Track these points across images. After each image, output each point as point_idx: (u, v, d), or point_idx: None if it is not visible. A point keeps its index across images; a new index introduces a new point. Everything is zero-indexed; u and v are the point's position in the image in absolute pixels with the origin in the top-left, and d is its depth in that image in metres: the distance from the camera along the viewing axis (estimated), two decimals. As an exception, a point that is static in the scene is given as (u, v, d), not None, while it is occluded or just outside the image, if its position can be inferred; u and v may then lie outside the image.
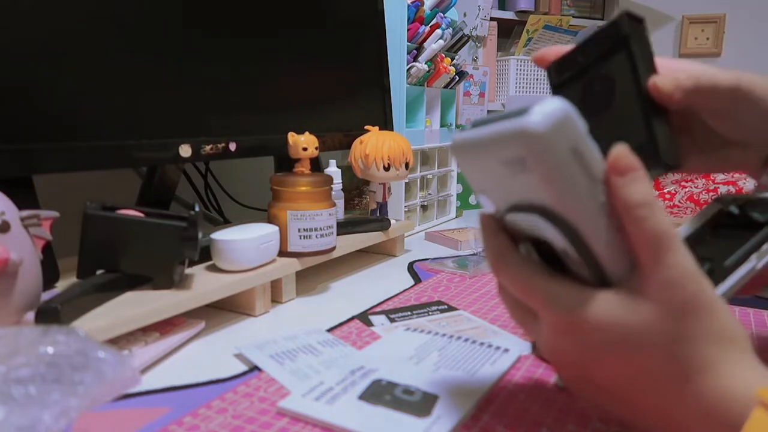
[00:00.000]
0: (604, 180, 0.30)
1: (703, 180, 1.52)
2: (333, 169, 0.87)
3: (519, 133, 0.27)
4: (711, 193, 1.48)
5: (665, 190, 1.50)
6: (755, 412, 0.26)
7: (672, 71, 0.38)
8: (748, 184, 1.47)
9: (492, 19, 1.70)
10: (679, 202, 1.49)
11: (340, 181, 0.87)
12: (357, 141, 0.85)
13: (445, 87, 1.20)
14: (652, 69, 0.38)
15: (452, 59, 1.18)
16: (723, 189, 1.48)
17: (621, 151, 0.30)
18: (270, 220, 0.68)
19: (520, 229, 0.34)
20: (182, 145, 0.66)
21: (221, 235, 0.61)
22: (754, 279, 0.39)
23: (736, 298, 0.39)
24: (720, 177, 1.52)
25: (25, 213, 0.47)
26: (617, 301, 0.31)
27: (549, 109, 0.27)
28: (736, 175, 1.52)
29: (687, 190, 1.50)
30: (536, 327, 0.35)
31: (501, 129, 0.29)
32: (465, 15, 1.66)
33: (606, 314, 0.31)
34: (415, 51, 1.07)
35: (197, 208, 0.55)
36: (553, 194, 0.29)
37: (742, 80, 0.38)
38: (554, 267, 0.33)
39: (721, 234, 0.42)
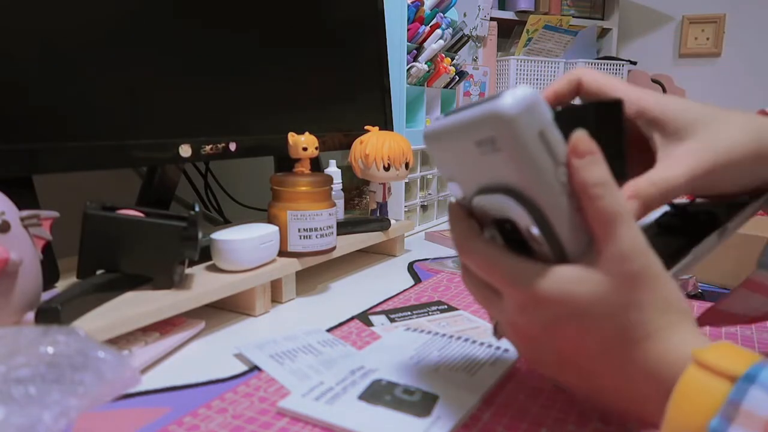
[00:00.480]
0: (566, 163, 0.32)
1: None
2: (333, 169, 0.87)
3: (492, 115, 0.30)
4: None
5: None
6: (689, 369, 0.29)
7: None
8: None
9: (492, 19, 1.70)
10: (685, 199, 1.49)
11: (340, 181, 0.87)
12: (357, 141, 0.85)
13: (445, 87, 1.20)
14: (621, 155, 0.38)
15: (452, 59, 1.18)
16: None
17: (581, 135, 0.32)
18: (270, 220, 0.68)
19: (486, 212, 0.36)
20: (182, 145, 0.66)
21: (221, 235, 0.61)
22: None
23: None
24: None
25: (25, 213, 0.47)
26: (573, 274, 0.33)
27: (520, 94, 0.30)
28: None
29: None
30: (499, 306, 0.36)
31: (475, 112, 0.31)
32: (465, 15, 1.66)
33: (563, 287, 0.32)
34: (415, 51, 1.07)
35: (197, 208, 0.55)
36: (521, 173, 0.31)
37: (762, 142, 0.37)
38: (517, 249, 0.35)
39: (664, 233, 0.44)
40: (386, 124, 1.01)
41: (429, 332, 0.56)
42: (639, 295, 0.32)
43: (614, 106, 0.38)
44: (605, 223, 0.32)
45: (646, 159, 0.39)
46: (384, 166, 0.82)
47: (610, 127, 0.38)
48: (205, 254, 0.63)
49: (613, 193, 0.31)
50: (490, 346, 0.52)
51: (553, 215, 0.32)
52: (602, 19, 1.97)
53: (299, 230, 0.66)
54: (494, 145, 0.31)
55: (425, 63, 1.07)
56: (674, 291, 0.33)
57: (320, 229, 0.67)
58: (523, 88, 0.30)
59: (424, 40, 1.07)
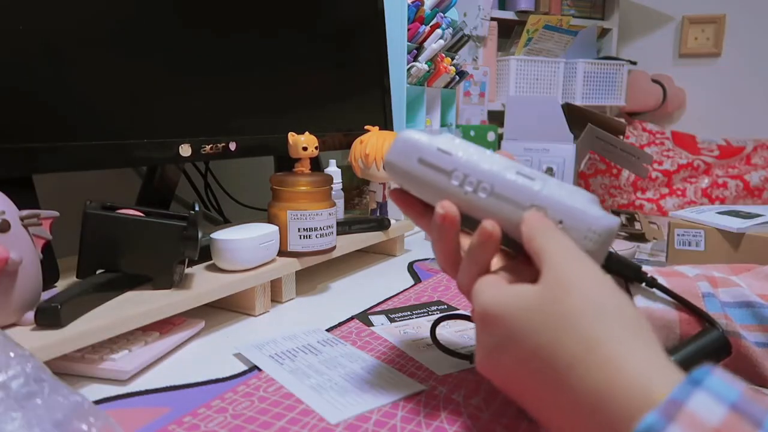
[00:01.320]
0: (457, 168, 0.38)
1: (707, 177, 1.52)
2: (333, 169, 0.87)
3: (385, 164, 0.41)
4: (720, 188, 1.49)
5: (674, 187, 1.51)
6: (649, 417, 0.25)
7: None
8: (754, 177, 1.47)
9: (492, 19, 1.70)
10: (693, 197, 1.50)
11: (340, 181, 0.87)
12: (357, 141, 0.85)
13: (445, 87, 1.20)
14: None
15: (452, 59, 1.18)
16: (731, 183, 1.48)
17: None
18: (270, 219, 0.68)
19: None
20: (182, 145, 0.66)
21: (221, 235, 0.61)
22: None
23: None
24: (722, 171, 1.52)
25: (25, 212, 0.47)
26: (515, 290, 0.33)
27: (394, 143, 0.40)
28: (741, 168, 1.52)
29: (696, 185, 1.51)
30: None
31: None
32: (465, 15, 1.66)
33: (500, 300, 0.33)
34: (415, 51, 1.07)
35: (197, 208, 0.55)
36: (419, 193, 0.40)
37: None
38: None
39: None
40: (386, 124, 1.01)
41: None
42: (566, 317, 0.30)
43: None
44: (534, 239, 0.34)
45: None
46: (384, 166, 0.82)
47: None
48: (205, 254, 0.63)
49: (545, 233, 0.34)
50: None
51: (477, 215, 0.37)
52: (602, 19, 1.97)
53: (299, 230, 0.66)
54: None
55: (425, 63, 1.07)
56: (621, 311, 0.30)
57: (320, 228, 0.67)
58: (400, 135, 0.39)
59: (424, 39, 1.07)
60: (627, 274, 0.42)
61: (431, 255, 0.90)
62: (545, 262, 0.33)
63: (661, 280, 0.44)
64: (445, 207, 0.37)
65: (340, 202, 0.86)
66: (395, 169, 0.40)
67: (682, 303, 0.42)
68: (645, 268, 0.46)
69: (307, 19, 0.85)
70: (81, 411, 0.31)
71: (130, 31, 0.61)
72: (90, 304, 0.49)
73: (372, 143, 0.82)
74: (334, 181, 0.70)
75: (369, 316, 0.62)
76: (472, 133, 1.39)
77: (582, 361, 0.29)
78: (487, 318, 0.34)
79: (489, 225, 0.36)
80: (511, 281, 0.35)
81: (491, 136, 1.42)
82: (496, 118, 1.60)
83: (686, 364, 0.38)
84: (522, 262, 0.37)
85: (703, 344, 0.40)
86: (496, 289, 0.34)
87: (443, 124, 1.21)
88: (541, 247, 0.34)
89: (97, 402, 0.43)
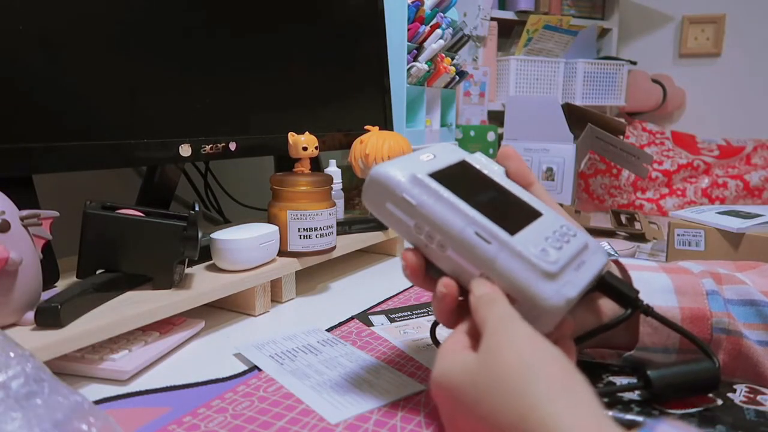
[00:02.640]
0: (421, 223, 0.37)
1: (707, 177, 1.53)
2: (333, 169, 0.87)
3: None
4: (720, 188, 1.49)
5: (674, 187, 1.51)
6: None
7: None
8: (754, 177, 1.47)
9: (492, 19, 1.70)
10: (693, 197, 1.50)
11: (340, 181, 0.87)
12: (357, 141, 0.85)
13: (446, 87, 1.20)
14: None
15: (452, 59, 1.17)
16: (731, 183, 1.48)
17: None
18: (270, 219, 0.68)
19: None
20: (182, 145, 0.66)
21: (221, 235, 0.61)
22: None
23: None
24: (722, 171, 1.52)
25: (25, 212, 0.47)
26: (461, 359, 0.33)
27: (368, 179, 0.39)
28: (741, 168, 1.52)
29: (696, 185, 1.51)
30: None
31: None
32: (465, 15, 1.66)
33: (446, 378, 0.33)
34: (415, 51, 1.07)
35: (197, 208, 0.55)
36: (396, 231, 0.40)
37: None
38: None
39: None
40: (386, 124, 1.01)
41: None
42: (501, 380, 0.30)
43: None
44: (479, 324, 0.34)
45: None
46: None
47: None
48: (205, 254, 0.63)
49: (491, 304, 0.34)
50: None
51: (440, 266, 0.38)
52: (602, 19, 1.97)
53: (299, 230, 0.66)
54: None
55: (425, 63, 1.07)
56: (547, 367, 0.30)
57: (320, 228, 0.67)
58: (372, 173, 0.39)
59: (424, 39, 1.07)
60: (623, 302, 0.41)
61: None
62: (485, 330, 0.33)
63: (665, 277, 0.43)
64: (447, 286, 0.38)
65: (340, 202, 0.86)
66: (370, 206, 0.40)
67: (679, 332, 0.41)
68: (649, 262, 0.46)
69: (308, 19, 0.85)
70: (81, 411, 0.31)
71: (130, 30, 0.61)
72: (90, 304, 0.49)
73: (372, 143, 0.82)
74: (334, 181, 0.70)
75: (369, 316, 0.62)
76: (472, 133, 1.39)
77: (521, 429, 0.28)
78: (434, 392, 0.34)
79: (442, 286, 0.38)
80: (466, 346, 0.35)
81: (491, 136, 1.42)
82: (496, 118, 1.60)
83: (674, 391, 0.38)
84: None
85: (695, 374, 0.39)
86: (447, 360, 0.34)
87: (443, 124, 1.21)
88: (484, 317, 0.34)
89: (97, 402, 0.43)
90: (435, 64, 1.11)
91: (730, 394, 0.40)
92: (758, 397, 0.40)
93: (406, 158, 0.41)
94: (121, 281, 0.54)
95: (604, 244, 0.83)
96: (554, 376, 0.29)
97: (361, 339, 0.55)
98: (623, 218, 1.10)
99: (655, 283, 0.43)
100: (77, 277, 0.54)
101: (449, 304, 0.38)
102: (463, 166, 0.43)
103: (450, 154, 0.43)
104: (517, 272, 0.35)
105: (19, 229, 0.46)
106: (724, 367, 0.42)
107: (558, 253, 0.37)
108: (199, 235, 0.54)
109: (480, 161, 0.44)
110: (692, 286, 0.43)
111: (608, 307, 0.42)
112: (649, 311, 0.41)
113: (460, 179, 0.40)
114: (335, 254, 0.72)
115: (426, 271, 0.40)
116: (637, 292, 0.41)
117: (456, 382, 0.32)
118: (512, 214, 0.40)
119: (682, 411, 0.38)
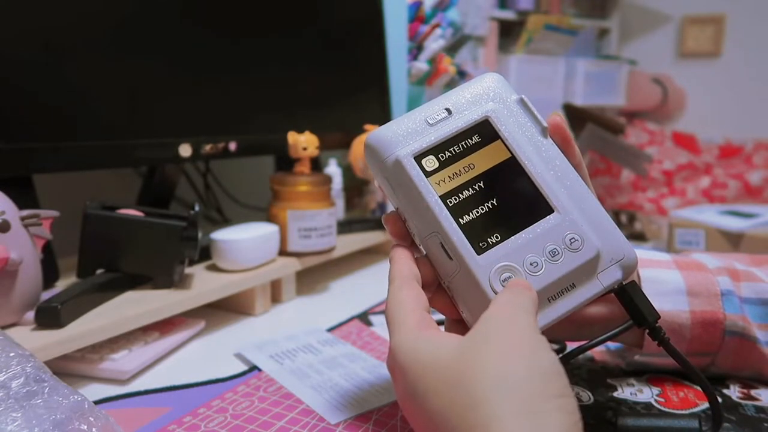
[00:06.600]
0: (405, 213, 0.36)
1: (707, 177, 1.53)
2: (333, 169, 0.87)
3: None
4: (720, 188, 1.49)
5: (674, 187, 1.51)
6: None
7: None
8: (754, 177, 1.47)
9: (492, 19, 1.70)
10: (693, 197, 1.50)
11: (340, 181, 0.87)
12: (357, 141, 0.85)
13: (446, 86, 1.19)
14: None
15: (452, 59, 1.17)
16: (732, 183, 1.48)
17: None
18: (270, 219, 0.68)
19: None
20: (182, 145, 0.66)
21: (221, 235, 0.61)
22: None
23: None
24: (722, 171, 1.53)
25: (25, 212, 0.47)
26: (434, 336, 0.30)
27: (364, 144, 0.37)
28: (741, 168, 1.52)
29: (696, 185, 1.51)
30: None
31: None
32: (465, 15, 1.66)
33: (410, 346, 0.30)
34: (415, 50, 1.07)
35: (197, 208, 0.55)
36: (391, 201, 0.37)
37: None
38: None
39: None
40: (386, 124, 1.00)
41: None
42: (471, 372, 0.27)
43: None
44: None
45: None
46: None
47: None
48: (205, 254, 0.63)
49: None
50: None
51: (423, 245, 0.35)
52: (602, 19, 1.97)
53: (299, 230, 0.66)
54: None
55: (425, 62, 1.07)
56: (519, 384, 0.26)
57: (320, 228, 0.67)
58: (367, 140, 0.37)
59: (424, 39, 1.07)
60: (636, 319, 0.35)
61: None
62: (487, 321, 0.30)
63: (677, 275, 0.41)
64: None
65: (340, 202, 0.86)
66: (374, 173, 0.38)
67: (684, 366, 0.36)
68: (662, 255, 0.44)
69: (307, 19, 0.85)
70: (81, 411, 0.31)
71: (131, 30, 0.61)
72: (90, 304, 0.49)
73: (372, 143, 0.82)
74: (334, 181, 0.70)
75: (369, 316, 0.62)
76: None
77: None
78: (391, 364, 0.31)
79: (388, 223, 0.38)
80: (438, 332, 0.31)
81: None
82: (496, 118, 1.59)
83: None
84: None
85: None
86: (423, 333, 0.31)
87: (443, 124, 1.21)
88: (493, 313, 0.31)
89: (97, 402, 0.43)
90: (435, 64, 1.11)
91: (725, 390, 0.40)
92: (752, 392, 0.41)
93: (411, 118, 0.36)
94: (121, 281, 0.54)
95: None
96: (526, 394, 0.26)
97: (361, 339, 0.55)
98: (623, 218, 1.10)
99: (666, 284, 0.41)
100: (77, 277, 0.54)
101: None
102: (479, 131, 0.35)
103: (474, 106, 0.36)
104: (468, 300, 0.32)
105: (19, 229, 0.46)
106: (732, 366, 0.42)
107: (533, 278, 0.31)
108: (199, 235, 0.54)
109: (508, 120, 0.36)
110: (706, 286, 0.41)
111: (596, 310, 0.39)
112: (662, 342, 0.36)
113: (460, 156, 0.34)
114: (335, 254, 0.72)
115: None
116: (658, 317, 0.35)
117: (423, 361, 0.29)
118: (511, 210, 0.33)
119: (683, 411, 0.38)
